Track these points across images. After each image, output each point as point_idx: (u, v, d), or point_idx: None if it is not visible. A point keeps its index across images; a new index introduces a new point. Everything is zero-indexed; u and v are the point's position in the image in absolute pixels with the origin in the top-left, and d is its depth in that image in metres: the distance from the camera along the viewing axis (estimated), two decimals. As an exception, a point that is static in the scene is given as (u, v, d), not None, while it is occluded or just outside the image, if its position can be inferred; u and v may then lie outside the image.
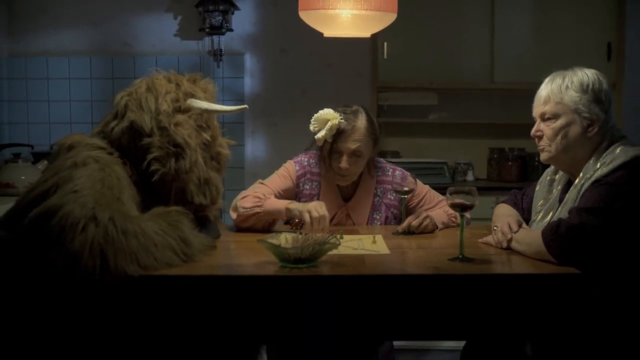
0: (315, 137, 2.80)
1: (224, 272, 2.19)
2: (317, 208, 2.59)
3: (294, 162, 2.92)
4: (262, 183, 2.85)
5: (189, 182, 2.27)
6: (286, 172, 2.89)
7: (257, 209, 2.68)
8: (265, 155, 4.72)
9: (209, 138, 2.35)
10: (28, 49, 4.66)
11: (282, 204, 2.69)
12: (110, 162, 2.17)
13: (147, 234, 2.06)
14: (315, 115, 2.80)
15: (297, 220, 2.70)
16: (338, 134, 2.77)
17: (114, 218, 2.00)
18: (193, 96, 2.35)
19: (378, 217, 2.91)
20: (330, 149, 2.79)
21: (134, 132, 2.25)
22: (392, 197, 2.91)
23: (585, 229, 2.10)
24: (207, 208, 2.37)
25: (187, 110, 2.32)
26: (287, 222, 2.81)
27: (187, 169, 2.25)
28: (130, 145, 2.26)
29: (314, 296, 2.07)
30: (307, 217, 2.57)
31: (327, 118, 2.77)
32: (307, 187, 2.89)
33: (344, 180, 2.84)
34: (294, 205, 2.67)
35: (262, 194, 2.73)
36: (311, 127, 2.80)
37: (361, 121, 2.79)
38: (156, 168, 2.22)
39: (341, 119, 2.77)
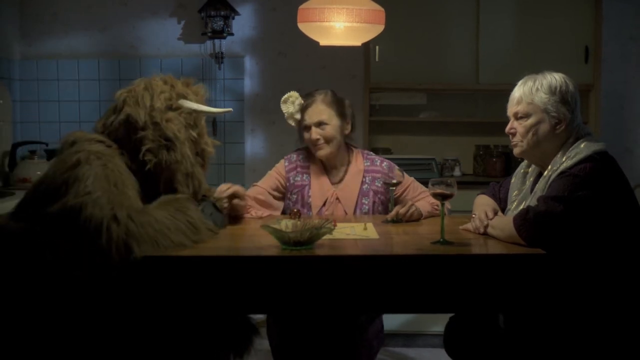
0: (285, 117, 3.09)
1: (234, 254, 2.33)
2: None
3: (285, 159, 3.15)
4: (255, 185, 3.10)
5: (177, 172, 2.42)
6: (276, 172, 3.12)
7: None
8: (264, 151, 4.79)
9: (195, 135, 2.51)
10: (39, 52, 4.74)
11: None
12: (110, 155, 2.32)
13: (160, 221, 2.24)
14: (282, 97, 3.09)
15: (295, 209, 2.94)
16: (303, 110, 3.06)
17: (131, 215, 2.17)
18: (185, 97, 2.51)
19: (366, 202, 3.09)
20: (301, 126, 3.08)
21: (130, 125, 2.40)
22: (379, 185, 3.10)
23: (550, 215, 2.24)
24: None
25: (177, 108, 2.47)
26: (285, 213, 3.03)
27: (177, 159, 2.41)
28: (126, 137, 2.41)
29: (312, 274, 2.22)
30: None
31: (288, 97, 3.07)
32: (298, 179, 3.11)
33: (321, 150, 3.06)
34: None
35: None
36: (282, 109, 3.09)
37: (321, 96, 3.07)
38: (149, 158, 2.38)
39: (302, 96, 3.07)
